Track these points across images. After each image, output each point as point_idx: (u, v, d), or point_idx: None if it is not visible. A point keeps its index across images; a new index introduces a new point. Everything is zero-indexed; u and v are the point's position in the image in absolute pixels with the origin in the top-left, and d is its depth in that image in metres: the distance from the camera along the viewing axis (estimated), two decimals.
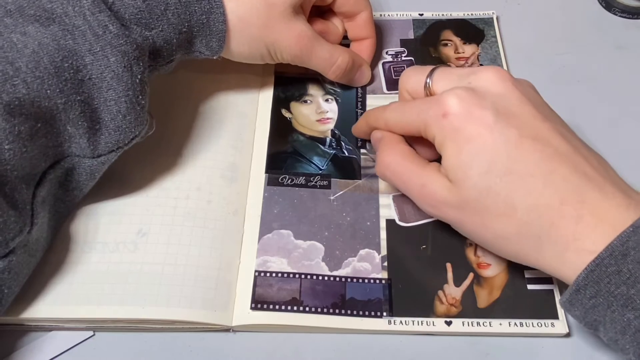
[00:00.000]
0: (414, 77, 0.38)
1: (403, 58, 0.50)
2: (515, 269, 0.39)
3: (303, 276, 0.38)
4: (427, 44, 0.50)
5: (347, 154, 0.44)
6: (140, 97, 0.35)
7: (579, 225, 0.31)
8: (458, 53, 0.50)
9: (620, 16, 0.53)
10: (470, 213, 0.33)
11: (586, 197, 0.31)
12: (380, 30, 0.51)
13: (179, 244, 0.39)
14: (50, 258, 0.37)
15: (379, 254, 0.39)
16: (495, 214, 0.32)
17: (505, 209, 0.32)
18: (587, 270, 0.30)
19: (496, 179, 0.32)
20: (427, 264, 0.39)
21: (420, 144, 0.38)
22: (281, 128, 0.45)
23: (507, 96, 0.34)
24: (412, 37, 0.51)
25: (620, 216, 0.30)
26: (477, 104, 0.33)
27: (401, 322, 0.37)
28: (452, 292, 0.38)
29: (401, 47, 0.50)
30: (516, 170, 0.32)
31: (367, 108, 0.47)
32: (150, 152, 0.41)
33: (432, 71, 0.37)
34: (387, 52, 0.50)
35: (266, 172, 0.43)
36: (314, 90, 0.48)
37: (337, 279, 0.38)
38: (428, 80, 0.37)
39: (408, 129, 0.37)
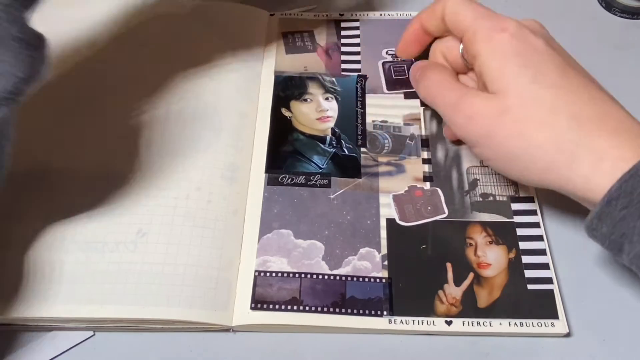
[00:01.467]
0: (448, 42, 0.41)
1: (403, 58, 0.50)
2: (516, 269, 0.39)
3: (303, 275, 0.38)
4: None
5: (347, 152, 0.44)
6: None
7: (619, 137, 0.32)
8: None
9: (620, 16, 0.53)
10: (508, 121, 0.34)
11: (623, 119, 0.33)
12: (380, 30, 0.51)
13: (179, 244, 0.39)
14: (50, 258, 0.37)
15: (379, 253, 0.39)
16: (538, 122, 0.34)
17: (548, 117, 0.33)
18: (620, 180, 0.30)
19: (543, 90, 0.34)
20: (428, 263, 0.39)
21: None
22: (281, 127, 0.45)
23: (552, 40, 0.38)
24: None
25: None
26: (532, 33, 0.36)
27: (401, 321, 0.37)
28: (453, 291, 0.38)
29: None
30: (563, 85, 0.34)
31: (367, 107, 0.47)
32: (150, 152, 0.41)
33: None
34: (387, 52, 0.50)
35: (266, 171, 0.43)
36: (313, 89, 0.48)
37: (337, 278, 0.38)
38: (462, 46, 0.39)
39: (456, 24, 0.38)
